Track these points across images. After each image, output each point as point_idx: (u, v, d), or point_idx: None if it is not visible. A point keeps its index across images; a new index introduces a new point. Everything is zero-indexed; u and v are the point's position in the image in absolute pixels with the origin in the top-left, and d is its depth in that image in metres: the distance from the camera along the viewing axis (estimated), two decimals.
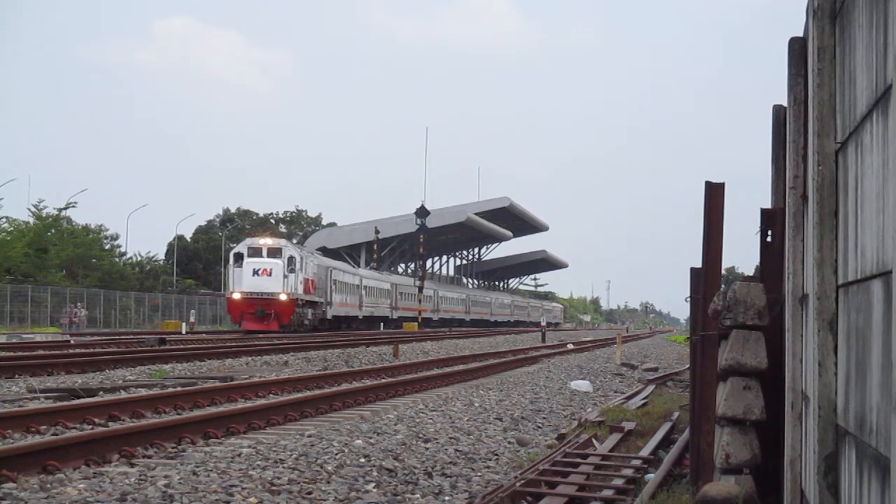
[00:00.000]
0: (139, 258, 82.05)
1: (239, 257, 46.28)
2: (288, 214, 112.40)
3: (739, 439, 5.35)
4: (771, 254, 5.96)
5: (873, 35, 2.56)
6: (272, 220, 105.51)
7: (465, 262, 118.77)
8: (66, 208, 69.81)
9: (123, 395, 13.96)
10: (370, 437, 10.25)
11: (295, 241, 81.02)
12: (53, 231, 68.13)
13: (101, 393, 14.43)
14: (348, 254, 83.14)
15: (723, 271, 7.21)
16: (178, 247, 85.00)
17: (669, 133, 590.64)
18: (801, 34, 4.67)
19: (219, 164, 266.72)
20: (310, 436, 10.25)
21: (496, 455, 9.84)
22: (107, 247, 76.98)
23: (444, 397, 15.59)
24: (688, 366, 14.54)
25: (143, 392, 14.23)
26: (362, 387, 15.71)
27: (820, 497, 3.16)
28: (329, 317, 54.53)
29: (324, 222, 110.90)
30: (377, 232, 78.34)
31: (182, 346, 26.71)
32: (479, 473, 8.73)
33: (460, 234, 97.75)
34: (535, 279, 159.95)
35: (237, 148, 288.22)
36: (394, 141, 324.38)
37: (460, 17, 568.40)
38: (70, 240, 67.44)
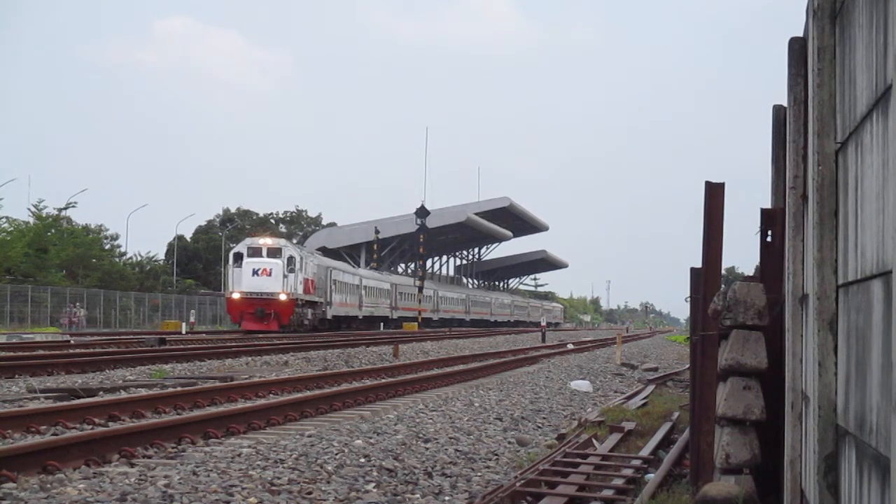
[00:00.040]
0: (139, 258, 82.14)
1: (238, 257, 46.24)
2: (288, 214, 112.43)
3: (739, 439, 5.35)
4: (771, 254, 5.96)
5: (873, 35, 2.56)
6: (272, 220, 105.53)
7: (465, 262, 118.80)
8: (66, 208, 69.91)
9: (123, 395, 13.96)
10: (370, 437, 10.25)
11: (295, 241, 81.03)
12: (53, 231, 68.13)
13: (101, 393, 14.43)
14: (348, 254, 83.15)
15: (723, 271, 7.21)
16: (178, 247, 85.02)
17: (669, 133, 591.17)
18: (801, 34, 4.67)
19: (219, 164, 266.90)
20: (310, 436, 10.25)
21: (496, 455, 9.84)
22: (107, 247, 77.01)
23: (444, 397, 15.59)
24: (688, 366, 14.54)
25: (143, 392, 14.23)
26: (362, 387, 15.71)
27: (820, 497, 3.16)
28: (329, 317, 54.53)
29: (324, 222, 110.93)
30: (377, 232, 78.35)
31: (182, 346, 26.72)
32: (479, 473, 8.73)
33: (460, 234, 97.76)
34: (535, 279, 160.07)
35: (237, 148, 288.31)
36: (394, 141, 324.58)
37: (460, 17, 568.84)
38: (70, 240, 67.45)
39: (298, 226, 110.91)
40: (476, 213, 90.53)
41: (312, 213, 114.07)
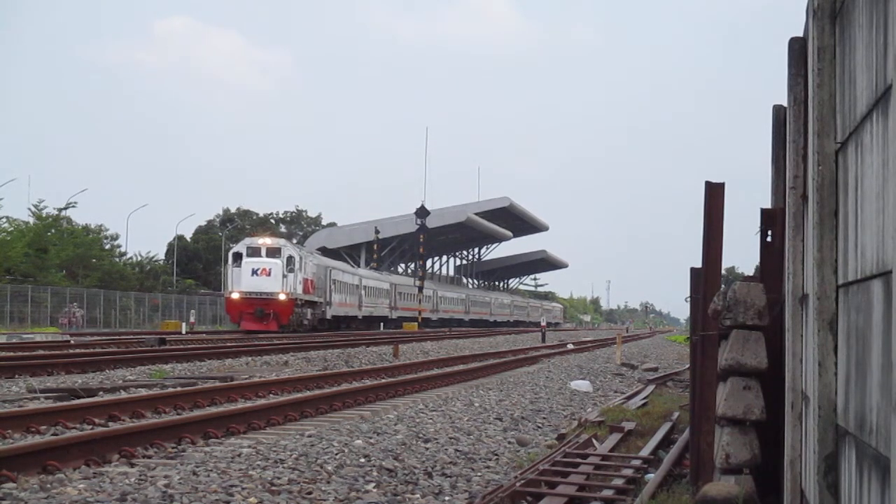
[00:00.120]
0: (139, 258, 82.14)
1: (238, 257, 46.19)
2: (288, 214, 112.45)
3: (739, 439, 5.35)
4: (771, 254, 5.96)
5: (873, 35, 2.56)
6: (272, 220, 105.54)
7: (464, 262, 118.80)
8: (66, 208, 69.90)
9: (123, 395, 13.96)
10: (370, 437, 10.25)
11: (295, 241, 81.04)
12: (53, 231, 68.12)
13: (101, 393, 14.43)
14: (348, 254, 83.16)
15: (723, 271, 7.21)
16: (178, 247, 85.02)
17: (669, 133, 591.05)
18: (801, 34, 4.67)
19: (219, 164, 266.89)
20: (310, 436, 10.25)
21: (496, 455, 9.84)
22: (107, 247, 77.00)
23: (444, 397, 15.59)
24: (688, 366, 14.54)
25: (143, 392, 14.23)
26: (362, 387, 15.71)
27: (820, 497, 3.16)
28: (328, 317, 54.51)
29: (324, 222, 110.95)
30: (377, 232, 78.36)
31: (182, 346, 26.72)
32: (479, 473, 8.73)
33: (460, 234, 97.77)
34: (535, 279, 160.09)
35: (237, 148, 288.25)
36: (394, 141, 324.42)
37: (460, 17, 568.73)
38: (70, 240, 67.44)
39: (298, 226, 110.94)
40: (476, 213, 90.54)
41: (312, 213, 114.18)
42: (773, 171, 6.31)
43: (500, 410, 13.86)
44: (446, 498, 7.58)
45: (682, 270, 7.71)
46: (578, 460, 8.79)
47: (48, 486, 7.30)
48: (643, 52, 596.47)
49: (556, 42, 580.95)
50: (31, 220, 66.85)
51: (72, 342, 29.73)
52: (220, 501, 6.89)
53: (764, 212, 5.98)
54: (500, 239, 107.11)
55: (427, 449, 9.82)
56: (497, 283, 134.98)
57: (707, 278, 6.68)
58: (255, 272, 45.22)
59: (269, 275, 45.13)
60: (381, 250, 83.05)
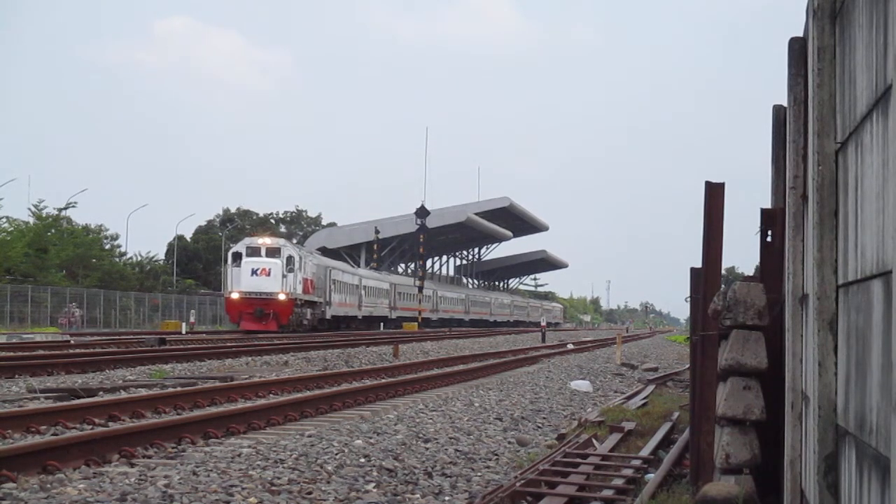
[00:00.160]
0: (139, 258, 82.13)
1: (237, 257, 46.13)
2: (288, 214, 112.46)
3: (739, 439, 5.35)
4: (771, 254, 5.96)
5: (873, 35, 2.56)
6: (272, 220, 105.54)
7: (464, 262, 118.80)
8: (66, 208, 69.89)
9: (123, 395, 13.96)
10: (370, 437, 10.25)
11: (295, 241, 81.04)
12: (53, 231, 68.11)
13: (101, 393, 14.43)
14: (348, 254, 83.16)
15: (723, 271, 7.21)
16: (178, 247, 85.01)
17: (669, 133, 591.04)
18: (801, 34, 4.67)
19: (219, 164, 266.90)
20: (310, 436, 10.25)
21: (496, 455, 9.84)
22: (107, 247, 77.00)
23: (444, 397, 15.59)
24: (688, 366, 14.54)
25: (143, 392, 14.23)
26: (362, 387, 15.71)
27: (820, 497, 3.16)
28: (328, 317, 54.48)
29: (324, 222, 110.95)
30: (377, 232, 78.36)
31: (182, 346, 26.72)
32: (479, 473, 8.73)
33: (460, 234, 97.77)
34: (535, 279, 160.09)
35: (237, 148, 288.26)
36: (394, 141, 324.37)
37: (460, 17, 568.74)
38: (70, 240, 67.42)
39: (298, 226, 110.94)
40: (476, 213, 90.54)
41: (312, 213, 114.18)
42: (773, 171, 6.31)
43: (500, 410, 13.86)
44: (446, 498, 7.58)
45: (682, 270, 7.71)
46: (578, 460, 8.79)
47: (48, 486, 7.30)
48: (643, 52, 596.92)
49: (556, 42, 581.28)
50: (31, 220, 66.87)
51: (72, 342, 29.73)
52: (220, 501, 6.89)
53: (764, 212, 5.98)
54: (500, 239, 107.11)
55: (427, 449, 9.82)
56: (497, 283, 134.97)
57: (707, 278, 6.68)
58: (254, 272, 45.18)
59: (268, 275, 45.09)
60: (381, 250, 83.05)
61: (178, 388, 14.42)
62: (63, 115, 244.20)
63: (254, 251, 45.96)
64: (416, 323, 68.77)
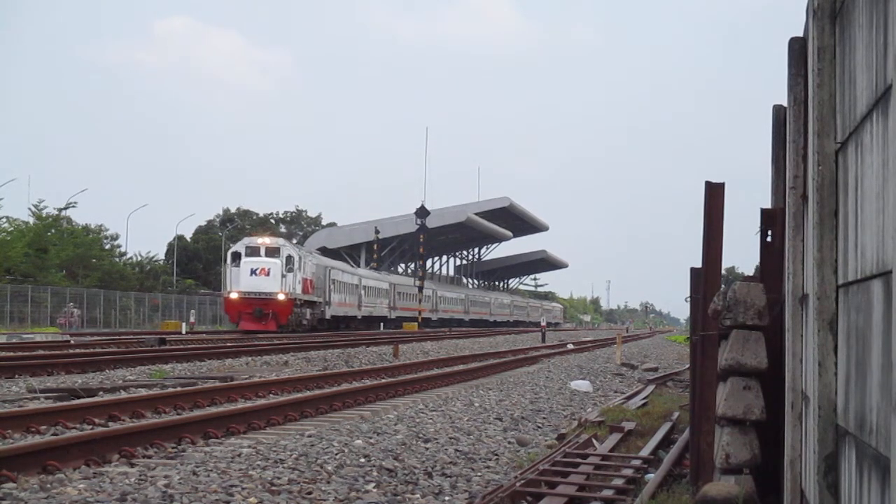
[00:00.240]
0: (139, 258, 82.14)
1: (236, 257, 46.03)
2: (288, 214, 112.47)
3: (739, 439, 5.35)
4: (771, 254, 5.96)
5: (873, 35, 2.56)
6: (272, 220, 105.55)
7: (464, 262, 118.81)
8: (66, 208, 69.90)
9: (123, 395, 13.96)
10: (370, 437, 10.25)
11: (295, 241, 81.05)
12: (53, 231, 68.12)
13: (101, 393, 14.43)
14: (348, 254, 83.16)
15: (723, 271, 7.21)
16: (178, 247, 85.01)
17: (669, 133, 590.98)
18: (801, 34, 4.67)
19: (219, 164, 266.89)
20: (310, 436, 10.25)
21: (496, 455, 9.84)
22: (107, 247, 77.00)
23: (444, 397, 15.59)
24: (688, 366, 14.54)
25: (143, 392, 14.23)
26: (362, 387, 15.71)
27: (820, 497, 3.16)
28: (327, 317, 54.44)
29: (324, 222, 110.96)
30: (377, 232, 78.36)
31: (182, 346, 26.72)
32: (479, 473, 8.74)
33: (460, 234, 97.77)
34: (535, 279, 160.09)
35: (237, 148, 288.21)
36: (394, 141, 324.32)
37: (460, 17, 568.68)
38: (70, 240, 67.43)
39: (298, 226, 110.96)
40: (476, 213, 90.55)
41: (312, 213, 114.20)
42: (773, 171, 6.31)
43: (500, 410, 13.86)
44: (446, 498, 7.58)
45: (682, 270, 7.71)
46: (578, 460, 8.79)
47: (48, 486, 7.30)
48: (643, 52, 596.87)
49: (556, 42, 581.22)
50: (31, 220, 66.87)
51: (72, 342, 29.73)
52: (220, 501, 6.89)
53: (764, 212, 5.98)
54: (500, 239, 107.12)
55: (427, 449, 9.82)
56: (497, 283, 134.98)
57: (707, 278, 6.68)
58: (253, 272, 45.12)
59: (267, 275, 45.03)
60: (381, 250, 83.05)
61: (178, 388, 14.42)
62: (63, 115, 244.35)
63: (253, 251, 45.89)
64: (416, 323, 68.77)
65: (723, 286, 6.20)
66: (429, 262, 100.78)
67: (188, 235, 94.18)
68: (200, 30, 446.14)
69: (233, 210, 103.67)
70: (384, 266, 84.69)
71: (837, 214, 3.20)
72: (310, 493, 7.32)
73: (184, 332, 44.99)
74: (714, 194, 6.58)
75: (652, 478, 7.68)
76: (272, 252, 45.83)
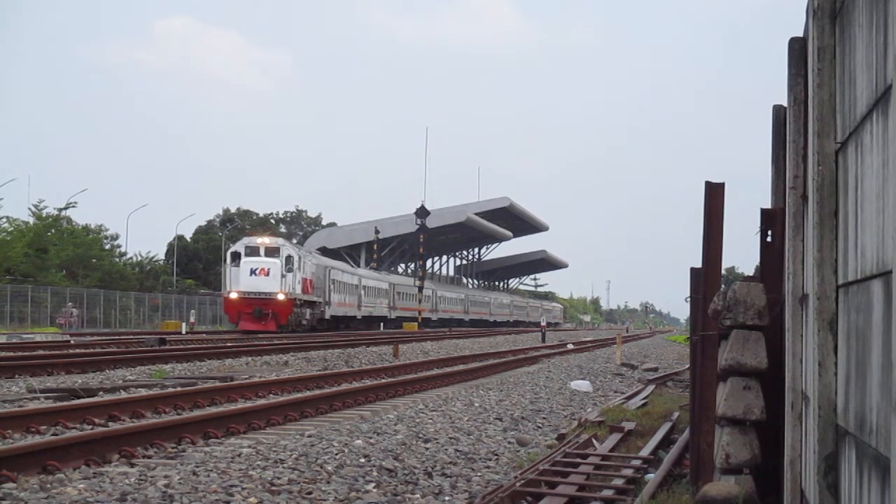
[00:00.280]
0: (139, 258, 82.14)
1: (236, 256, 45.95)
2: (288, 214, 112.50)
3: (739, 439, 5.35)
4: (771, 254, 5.96)
5: (873, 35, 2.56)
6: (272, 220, 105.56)
7: (464, 262, 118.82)
8: (66, 208, 69.91)
9: (123, 395, 13.96)
10: (370, 437, 10.25)
11: (295, 241, 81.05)
12: (53, 231, 68.11)
13: (101, 393, 14.43)
14: (348, 254, 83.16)
15: (723, 271, 7.21)
16: (178, 247, 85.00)
17: (669, 133, 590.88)
18: (801, 34, 4.67)
19: (219, 164, 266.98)
20: (310, 436, 10.25)
21: (496, 455, 9.84)
22: (107, 247, 76.99)
23: (444, 397, 15.59)
24: (688, 366, 14.55)
25: (143, 392, 14.23)
26: (362, 387, 15.71)
27: (820, 497, 3.16)
28: (327, 317, 54.40)
29: (324, 222, 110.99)
30: (377, 232, 78.36)
31: (182, 346, 26.72)
32: (479, 473, 8.73)
33: (460, 234, 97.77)
34: (535, 279, 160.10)
35: (237, 148, 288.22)
36: (394, 141, 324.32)
37: (460, 17, 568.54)
38: (70, 240, 67.42)
39: (298, 226, 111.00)
40: (476, 213, 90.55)
41: (312, 213, 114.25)
42: (773, 171, 6.31)
43: (500, 410, 13.86)
44: (446, 498, 7.58)
45: (682, 270, 7.71)
46: (578, 460, 8.79)
47: (48, 486, 7.30)
48: (643, 52, 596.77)
49: (556, 42, 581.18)
50: (31, 220, 66.87)
51: (72, 342, 29.74)
52: (220, 501, 6.89)
53: (764, 212, 5.98)
54: (500, 239, 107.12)
55: (427, 449, 9.82)
56: (497, 283, 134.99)
57: (707, 278, 6.68)
58: (253, 272, 45.06)
59: (267, 274, 44.96)
60: (381, 250, 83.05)
61: (178, 388, 14.42)
62: (63, 115, 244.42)
63: (252, 251, 45.84)
64: (416, 323, 68.76)
65: (723, 286, 6.20)
66: (429, 262, 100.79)
67: (188, 235, 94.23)
68: (200, 30, 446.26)
69: (233, 210, 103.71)
70: (384, 266, 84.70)
71: (837, 214, 3.20)
72: (310, 493, 7.32)
73: (184, 332, 44.95)
74: (714, 194, 6.58)
75: (652, 478, 7.68)
76: (272, 252, 45.78)
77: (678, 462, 8.60)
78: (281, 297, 44.99)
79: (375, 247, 78.91)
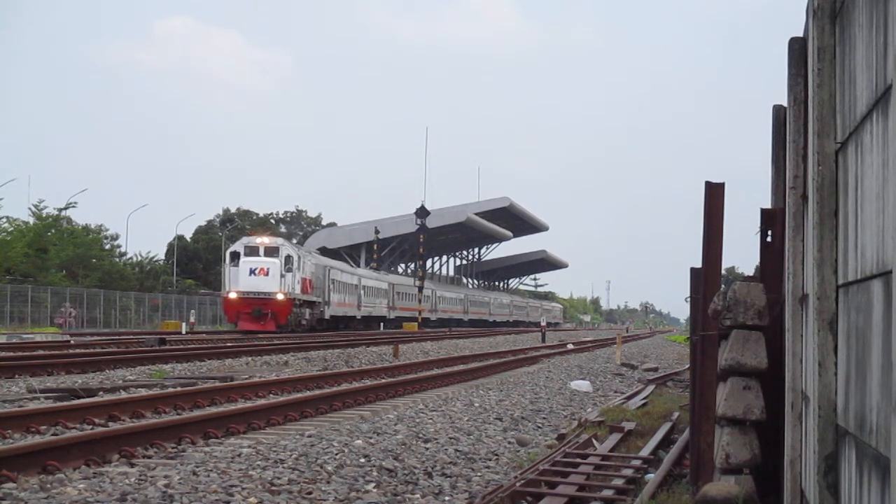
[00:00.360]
0: (139, 258, 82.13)
1: (235, 256, 45.86)
2: (288, 214, 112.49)
3: (739, 439, 5.35)
4: (771, 254, 5.96)
5: (873, 35, 2.56)
6: (272, 220, 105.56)
7: (464, 262, 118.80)
8: (66, 208, 69.89)
9: (123, 395, 13.96)
10: (370, 437, 10.25)
11: (295, 241, 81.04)
12: (53, 231, 68.09)
13: (101, 393, 14.43)
14: (348, 254, 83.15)
15: (723, 271, 7.21)
16: (178, 247, 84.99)
17: (669, 133, 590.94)
18: (801, 34, 4.67)
19: (219, 164, 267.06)
20: (310, 436, 10.25)
21: (496, 455, 9.84)
22: (107, 247, 76.97)
23: (444, 397, 15.59)
24: (688, 366, 14.55)
25: (143, 392, 14.23)
26: (362, 387, 15.71)
27: (820, 497, 3.16)
28: (327, 317, 54.36)
29: (324, 222, 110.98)
30: (377, 232, 78.34)
31: (182, 346, 26.71)
32: (479, 473, 8.73)
33: (460, 234, 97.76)
34: (535, 279, 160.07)
35: (237, 148, 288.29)
36: (394, 141, 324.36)
37: (460, 17, 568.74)
38: (70, 240, 67.40)
39: (298, 226, 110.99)
40: (476, 213, 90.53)
41: (312, 213, 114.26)
42: (773, 171, 6.31)
43: (500, 410, 13.86)
44: (446, 498, 7.58)
45: (682, 270, 7.72)
46: (578, 460, 8.79)
47: (48, 486, 7.30)
48: (643, 52, 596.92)
49: (556, 42, 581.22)
50: (31, 220, 66.86)
51: (72, 342, 29.73)
52: (220, 501, 6.89)
53: (764, 212, 5.98)
54: (500, 239, 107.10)
55: (427, 449, 9.82)
56: (497, 283, 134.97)
57: (707, 278, 6.68)
58: (252, 272, 45.00)
59: (266, 274, 44.90)
60: (381, 250, 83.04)
61: (178, 388, 14.42)
62: (63, 115, 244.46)
63: (252, 251, 45.77)
64: (416, 323, 68.75)
65: (723, 286, 6.20)
66: (429, 262, 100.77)
67: (188, 235, 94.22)
68: (200, 30, 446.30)
69: (233, 210, 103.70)
70: (384, 266, 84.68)
71: (837, 214, 3.20)
72: (310, 493, 7.32)
73: (184, 332, 44.92)
74: (714, 194, 6.58)
75: (652, 478, 7.68)
76: (271, 252, 45.73)
77: (678, 462, 8.60)
78: (280, 296, 44.95)
79: (375, 247, 78.90)
